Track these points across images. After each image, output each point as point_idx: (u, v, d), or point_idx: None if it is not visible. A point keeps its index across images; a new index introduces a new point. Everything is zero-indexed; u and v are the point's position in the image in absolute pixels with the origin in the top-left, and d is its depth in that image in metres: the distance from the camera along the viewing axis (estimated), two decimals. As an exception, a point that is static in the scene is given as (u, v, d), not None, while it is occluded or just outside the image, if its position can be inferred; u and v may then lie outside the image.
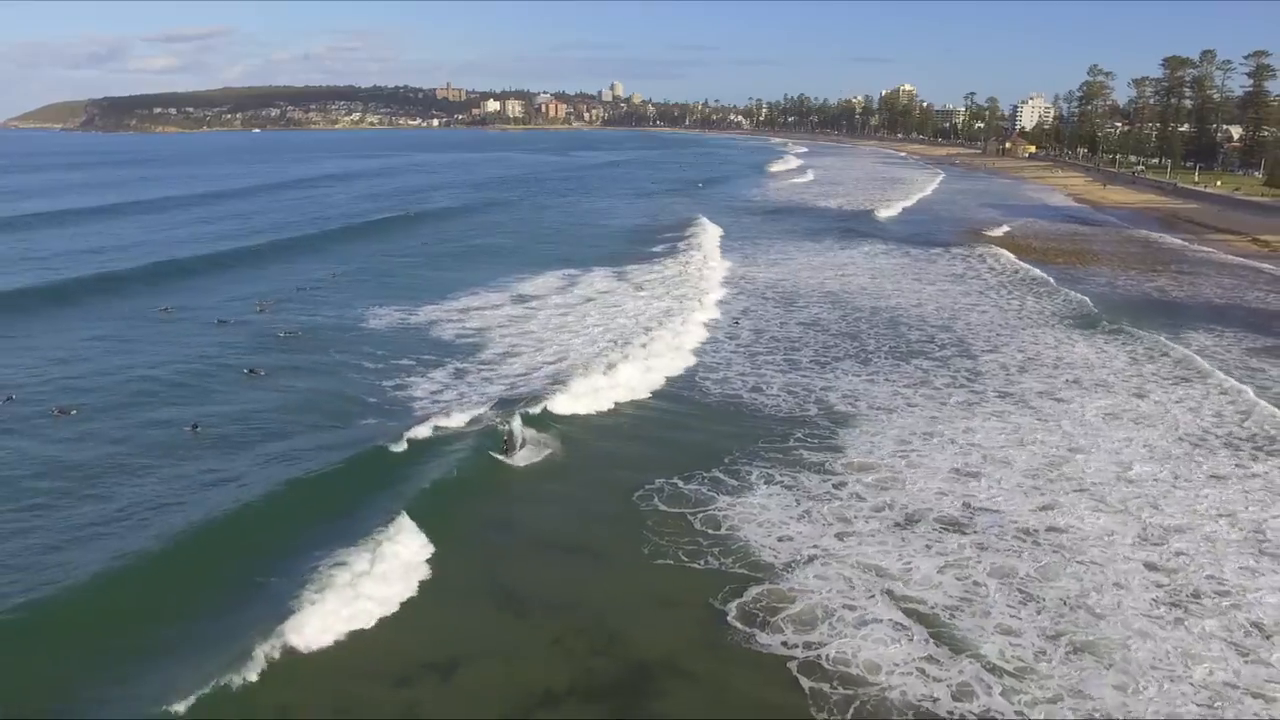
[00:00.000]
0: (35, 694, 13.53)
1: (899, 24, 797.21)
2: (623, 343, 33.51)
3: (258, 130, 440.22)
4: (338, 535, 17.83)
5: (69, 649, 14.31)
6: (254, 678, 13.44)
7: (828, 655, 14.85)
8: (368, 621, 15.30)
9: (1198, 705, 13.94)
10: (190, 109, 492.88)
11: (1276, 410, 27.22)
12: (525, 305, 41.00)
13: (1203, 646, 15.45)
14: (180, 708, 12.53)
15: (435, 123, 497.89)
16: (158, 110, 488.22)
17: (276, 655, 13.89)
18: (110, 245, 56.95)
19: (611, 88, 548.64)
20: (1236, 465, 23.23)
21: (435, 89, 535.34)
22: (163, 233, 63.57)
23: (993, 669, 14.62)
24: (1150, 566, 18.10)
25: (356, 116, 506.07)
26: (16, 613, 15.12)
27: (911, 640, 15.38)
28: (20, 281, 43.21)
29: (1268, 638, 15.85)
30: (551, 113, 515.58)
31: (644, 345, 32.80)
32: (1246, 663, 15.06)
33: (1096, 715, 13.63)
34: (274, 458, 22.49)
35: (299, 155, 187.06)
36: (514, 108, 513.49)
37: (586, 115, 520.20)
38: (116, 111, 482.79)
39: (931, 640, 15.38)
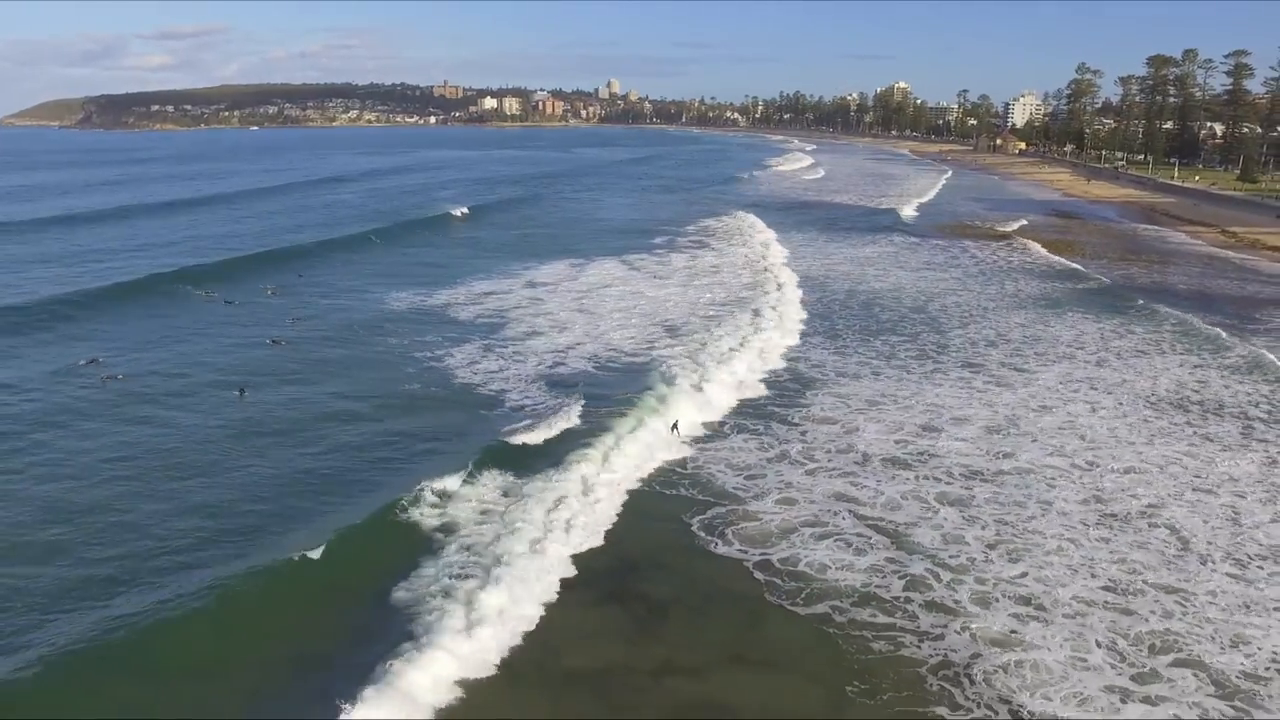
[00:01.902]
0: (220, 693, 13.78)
1: (895, 22, 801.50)
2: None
3: (255, 128, 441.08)
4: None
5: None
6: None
7: (781, 558, 17.87)
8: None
9: (1110, 593, 16.69)
10: (188, 106, 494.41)
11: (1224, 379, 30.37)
12: (568, 292, 43.64)
13: (1126, 553, 18.15)
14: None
15: (432, 120, 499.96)
16: (155, 108, 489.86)
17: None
18: (155, 243, 58.52)
19: (608, 85, 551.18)
20: (1187, 424, 25.91)
21: (432, 86, 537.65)
22: (197, 230, 64.81)
23: (942, 565, 17.51)
24: (1093, 499, 20.71)
25: (354, 114, 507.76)
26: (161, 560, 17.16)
27: (874, 548, 18.20)
28: (97, 280, 44.09)
29: (1186, 545, 18.60)
30: (548, 110, 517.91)
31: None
32: (1170, 569, 17.65)
33: (1022, 593, 16.48)
34: (310, 419, 25.24)
35: (305, 154, 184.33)
36: (511, 105, 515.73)
37: (583, 113, 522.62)
38: (114, 109, 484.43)
39: (891, 547, 18.22)
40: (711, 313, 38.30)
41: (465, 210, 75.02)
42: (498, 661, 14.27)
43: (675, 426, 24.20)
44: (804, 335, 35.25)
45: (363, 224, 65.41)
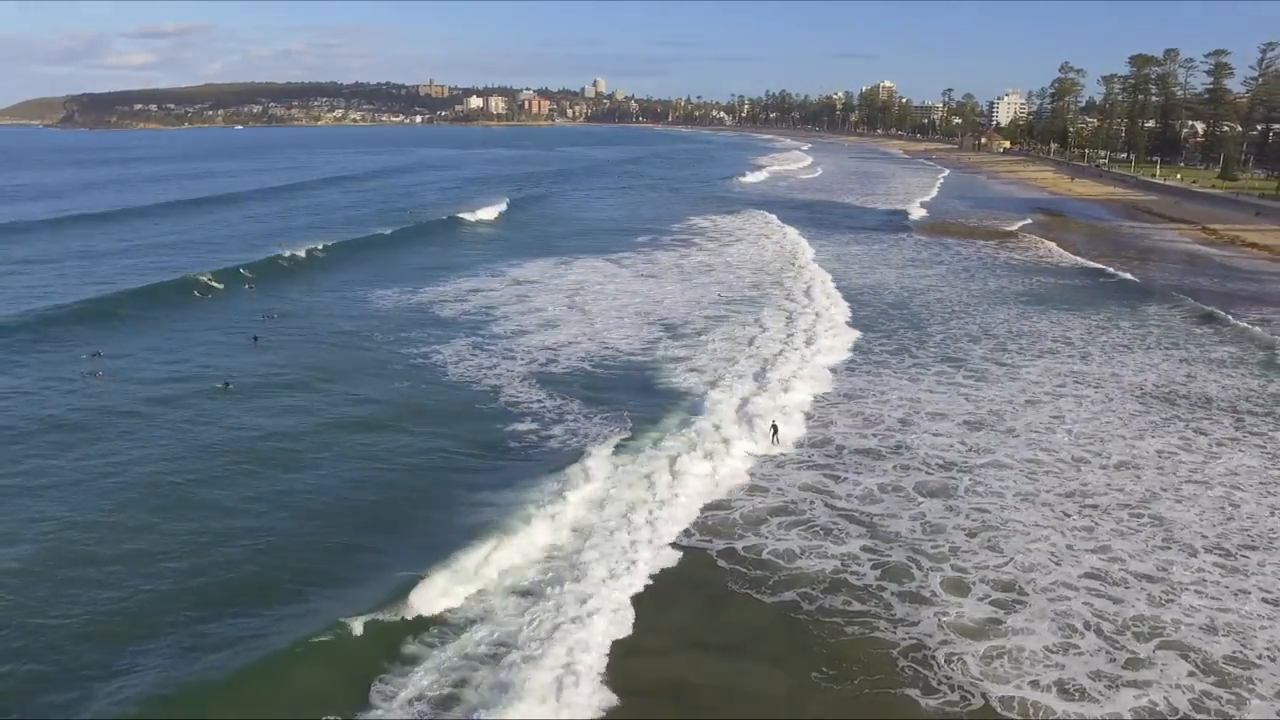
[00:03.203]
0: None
1: (880, 21, 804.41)
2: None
3: (240, 127, 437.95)
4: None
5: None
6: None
7: (745, 546, 18.00)
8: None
9: (1089, 579, 16.73)
10: (171, 105, 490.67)
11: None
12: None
13: (1107, 543, 18.17)
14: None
15: (418, 119, 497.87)
16: (138, 107, 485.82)
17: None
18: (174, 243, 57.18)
19: (594, 84, 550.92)
20: (1176, 415, 26.07)
21: (418, 85, 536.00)
22: (216, 230, 63.49)
23: (921, 552, 17.61)
24: (1072, 495, 20.56)
25: (339, 113, 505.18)
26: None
27: (849, 537, 18.27)
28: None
29: (1172, 536, 18.58)
30: (534, 109, 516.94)
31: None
32: (1157, 564, 17.47)
33: (1002, 579, 16.62)
34: (294, 410, 25.37)
35: (301, 153, 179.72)
36: (497, 104, 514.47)
37: (569, 112, 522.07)
38: (96, 108, 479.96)
39: (866, 536, 18.28)
40: (759, 313, 37.91)
41: (485, 210, 73.52)
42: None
43: (775, 432, 23.21)
44: (863, 334, 34.74)
45: (383, 224, 63.43)
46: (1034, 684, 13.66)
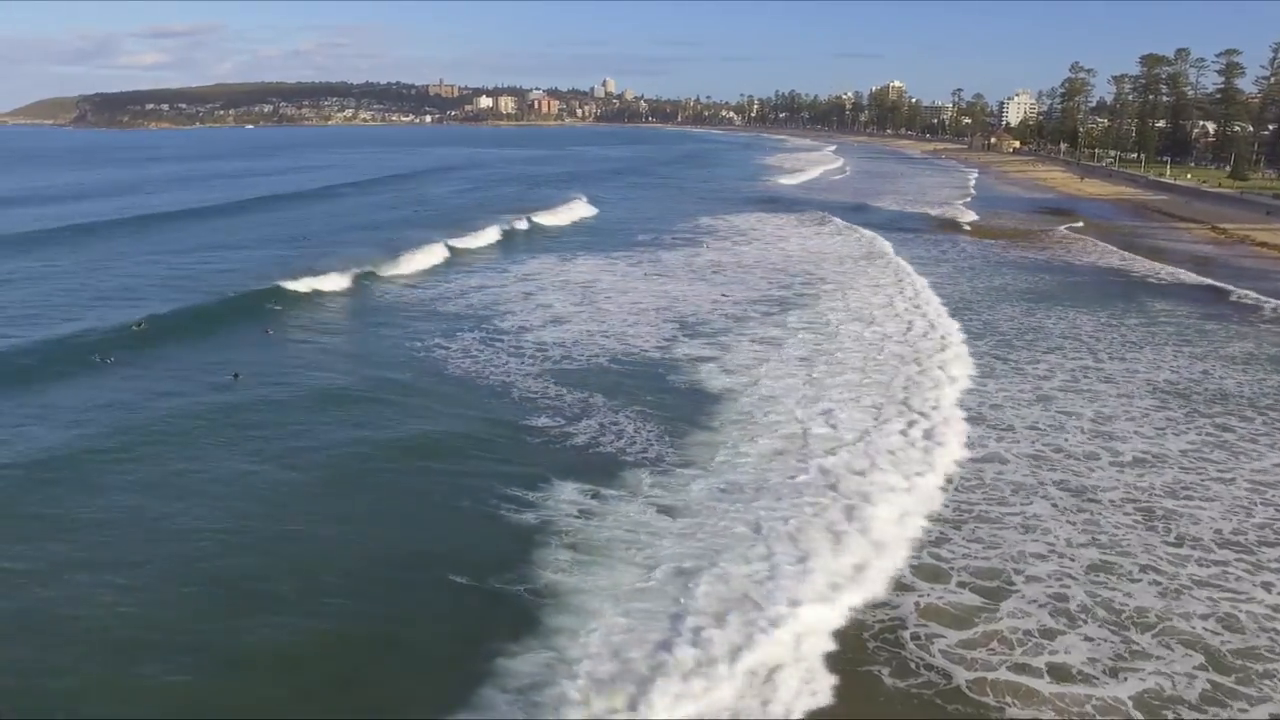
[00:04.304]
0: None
1: (888, 21, 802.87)
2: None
3: (250, 126, 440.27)
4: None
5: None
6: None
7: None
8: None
9: (1089, 569, 16.64)
10: (183, 105, 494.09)
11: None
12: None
13: (1110, 536, 18.02)
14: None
15: (428, 119, 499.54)
16: (150, 106, 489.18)
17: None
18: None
19: (604, 84, 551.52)
20: (1189, 412, 25.67)
21: (428, 85, 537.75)
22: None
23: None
24: (1068, 489, 20.25)
25: (349, 113, 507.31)
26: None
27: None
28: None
29: (1182, 530, 18.32)
30: (544, 109, 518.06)
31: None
32: (1161, 559, 17.10)
33: (998, 568, 16.60)
34: (301, 404, 25.30)
35: (327, 153, 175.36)
36: (507, 104, 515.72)
37: (579, 112, 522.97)
38: (109, 107, 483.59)
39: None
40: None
41: (561, 210, 72.59)
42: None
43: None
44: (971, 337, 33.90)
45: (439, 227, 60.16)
46: (1021, 668, 13.59)
